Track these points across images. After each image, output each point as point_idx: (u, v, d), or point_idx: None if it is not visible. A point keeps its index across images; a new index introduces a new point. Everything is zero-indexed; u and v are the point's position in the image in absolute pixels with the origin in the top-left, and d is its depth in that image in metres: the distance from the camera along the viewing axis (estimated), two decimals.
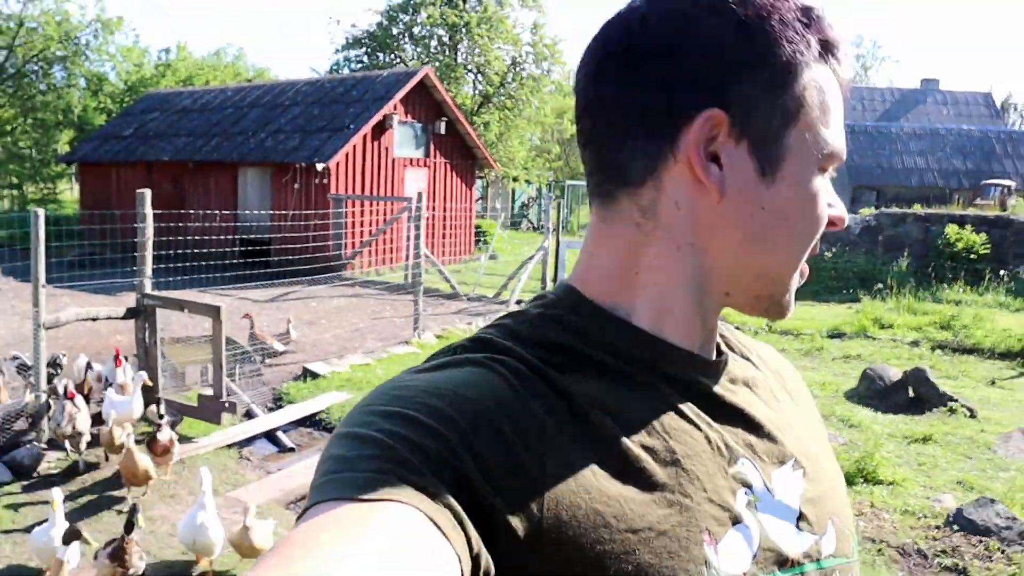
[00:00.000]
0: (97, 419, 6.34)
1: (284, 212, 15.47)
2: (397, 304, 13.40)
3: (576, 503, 0.65)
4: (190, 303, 7.20)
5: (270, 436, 7.04)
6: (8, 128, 32.31)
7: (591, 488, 0.66)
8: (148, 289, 7.19)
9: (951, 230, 16.32)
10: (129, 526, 4.12)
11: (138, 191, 7.34)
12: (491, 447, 0.64)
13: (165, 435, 5.66)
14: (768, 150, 0.74)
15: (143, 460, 5.38)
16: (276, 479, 5.98)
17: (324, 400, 7.79)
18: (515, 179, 28.81)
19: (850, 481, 5.82)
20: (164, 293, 7.82)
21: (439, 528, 0.57)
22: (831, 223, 0.78)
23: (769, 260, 0.76)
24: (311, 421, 7.48)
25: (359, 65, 29.27)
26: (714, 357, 0.82)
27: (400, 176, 19.18)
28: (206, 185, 18.96)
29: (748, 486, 0.74)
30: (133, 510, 4.23)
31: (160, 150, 20.31)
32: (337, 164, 17.18)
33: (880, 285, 15.10)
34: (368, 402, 0.68)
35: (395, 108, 18.57)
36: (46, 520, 4.39)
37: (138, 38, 49.15)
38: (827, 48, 0.75)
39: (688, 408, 0.75)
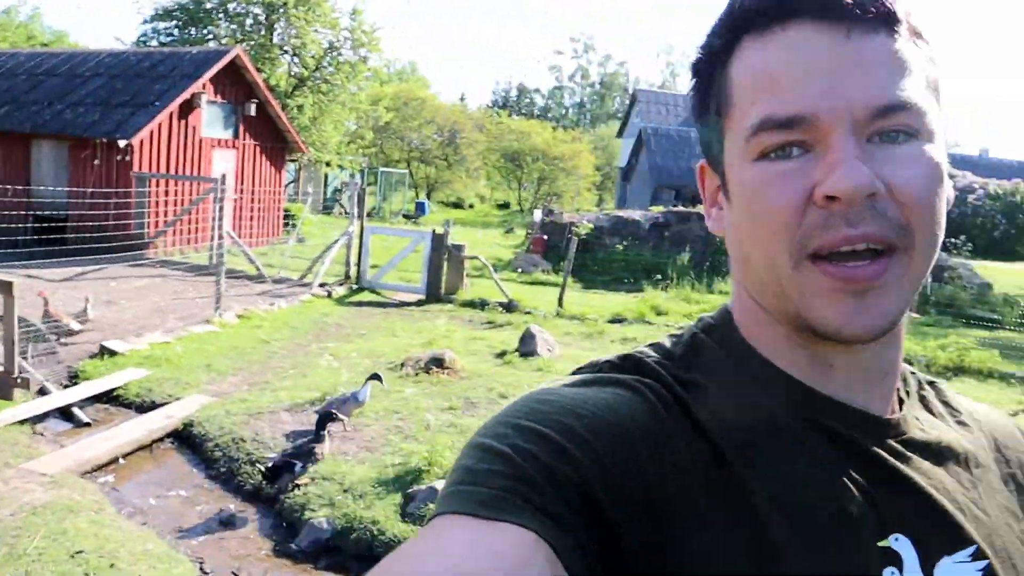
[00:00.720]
0: None
1: (83, 189, 15.00)
2: (200, 285, 13.40)
3: (703, 558, 0.62)
4: None
5: (65, 413, 7.16)
6: None
7: (721, 545, 0.63)
8: None
9: None
10: None
11: None
12: (625, 476, 0.62)
13: None
14: (721, 172, 0.74)
15: None
16: (72, 450, 6.19)
17: (122, 377, 7.95)
18: (328, 164, 28.78)
19: None
20: None
21: (558, 554, 0.56)
22: (830, 199, 0.64)
23: (763, 274, 0.70)
24: (108, 397, 7.64)
25: (169, 39, 28.15)
26: (888, 414, 0.75)
27: (208, 157, 18.89)
28: None
29: (898, 565, 0.66)
30: None
31: None
32: (141, 141, 16.72)
33: (662, 277, 16.59)
34: (506, 413, 0.67)
35: (204, 87, 18.27)
36: None
37: None
38: (747, 20, 0.69)
39: (842, 467, 0.69)
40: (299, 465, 5.75)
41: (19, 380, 6.87)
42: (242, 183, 19.56)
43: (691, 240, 18.63)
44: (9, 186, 13.38)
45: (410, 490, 5.61)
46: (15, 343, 6.86)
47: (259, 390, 8.02)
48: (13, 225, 13.11)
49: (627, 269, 17.82)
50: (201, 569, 4.87)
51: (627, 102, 49.04)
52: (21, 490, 5.14)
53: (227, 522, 5.52)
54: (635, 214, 20.55)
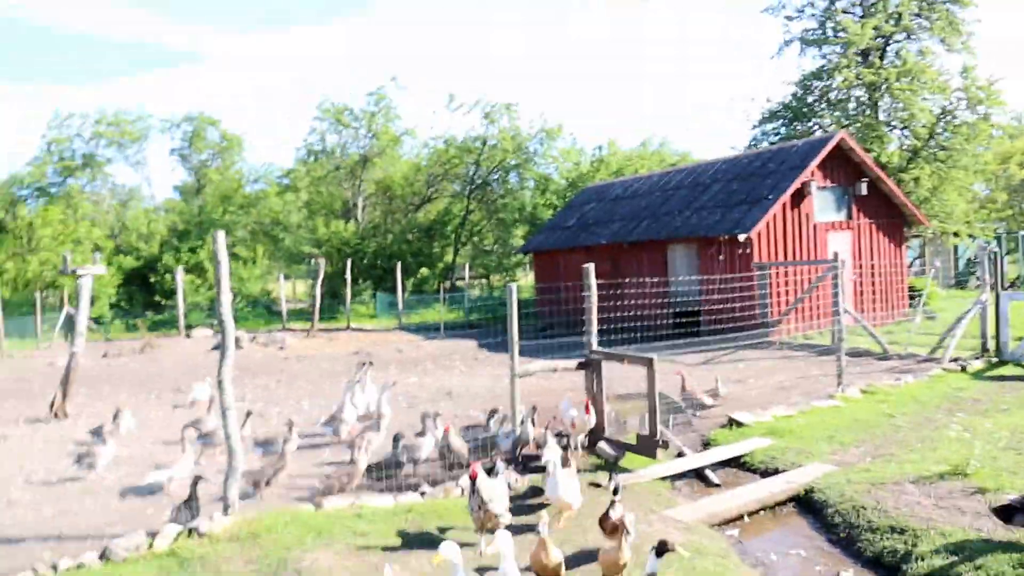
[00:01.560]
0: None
1: (711, 277, 16.55)
2: (823, 364, 13.59)
3: None
4: (628, 355, 8.44)
5: (698, 474, 7.91)
6: (477, 229, 38.33)
7: None
8: (594, 346, 8.56)
9: None
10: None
11: (583, 266, 8.88)
12: None
13: (617, 512, 5.46)
14: None
15: (554, 555, 4.90)
16: (704, 504, 6.84)
17: (748, 445, 8.49)
18: (955, 234, 26.85)
19: None
20: (606, 349, 9.17)
21: None
22: None
23: None
24: (735, 463, 8.23)
25: (776, 137, 29.71)
26: None
27: (822, 240, 19.26)
28: (639, 262, 20.81)
29: None
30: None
31: (597, 235, 22.75)
32: (758, 233, 17.89)
33: None
34: None
35: (812, 175, 18.85)
36: None
37: (575, 140, 55.30)
38: None
39: None
40: None
41: (661, 442, 7.83)
42: (859, 262, 19.45)
43: None
44: (652, 283, 15.35)
45: None
46: (656, 410, 7.85)
47: (883, 461, 7.82)
48: (656, 312, 15.08)
49: None
50: None
51: None
52: (660, 532, 5.85)
53: None
54: None
